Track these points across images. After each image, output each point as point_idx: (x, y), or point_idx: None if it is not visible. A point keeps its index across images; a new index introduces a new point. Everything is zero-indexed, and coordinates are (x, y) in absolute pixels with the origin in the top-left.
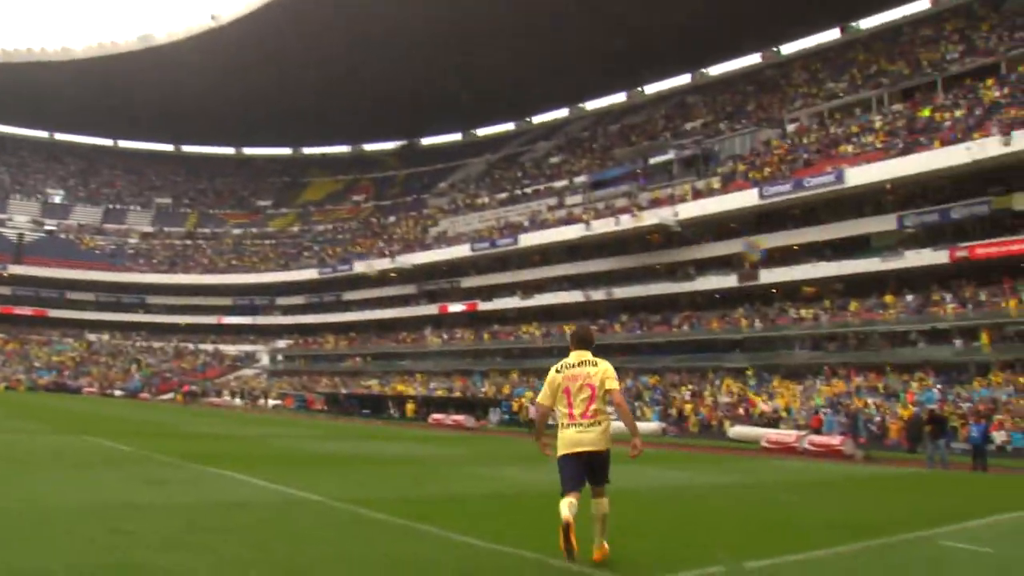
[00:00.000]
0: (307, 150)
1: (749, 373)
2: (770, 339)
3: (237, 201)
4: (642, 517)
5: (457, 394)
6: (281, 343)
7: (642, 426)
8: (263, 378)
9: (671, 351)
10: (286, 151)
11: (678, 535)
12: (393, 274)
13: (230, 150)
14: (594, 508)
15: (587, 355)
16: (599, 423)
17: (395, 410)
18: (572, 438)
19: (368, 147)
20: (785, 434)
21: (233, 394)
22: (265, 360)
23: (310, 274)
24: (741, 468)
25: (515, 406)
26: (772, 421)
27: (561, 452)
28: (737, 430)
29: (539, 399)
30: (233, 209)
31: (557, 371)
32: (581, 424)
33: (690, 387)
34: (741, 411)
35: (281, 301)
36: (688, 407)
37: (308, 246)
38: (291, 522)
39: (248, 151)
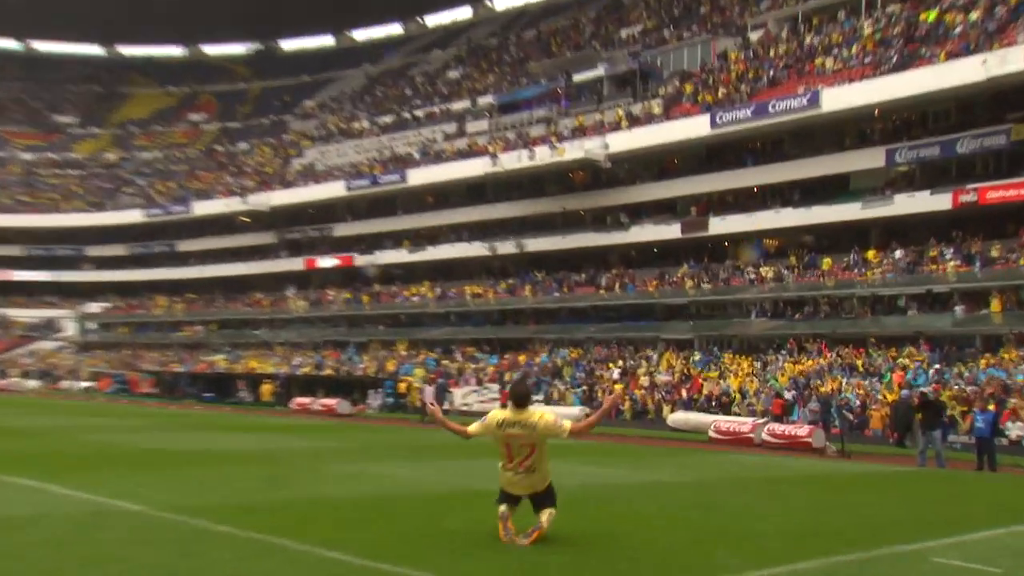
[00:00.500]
0: (126, 50)
1: (694, 346)
2: (721, 304)
3: (27, 116)
4: (556, 525)
5: (328, 372)
6: (94, 307)
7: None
8: (68, 353)
9: (597, 318)
10: (96, 51)
11: (596, 548)
12: (245, 218)
13: (14, 44)
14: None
15: (525, 415)
16: (535, 471)
17: (247, 393)
18: (509, 479)
19: (210, 50)
20: (738, 422)
21: (26, 374)
22: (71, 329)
23: (133, 216)
24: (682, 463)
25: (402, 387)
26: (723, 406)
27: (499, 484)
28: (679, 417)
29: (471, 429)
30: (21, 127)
31: (499, 425)
32: (519, 472)
33: (621, 363)
34: (684, 393)
35: (93, 252)
36: (618, 388)
37: (129, 179)
38: (98, 540)
39: (42, 47)
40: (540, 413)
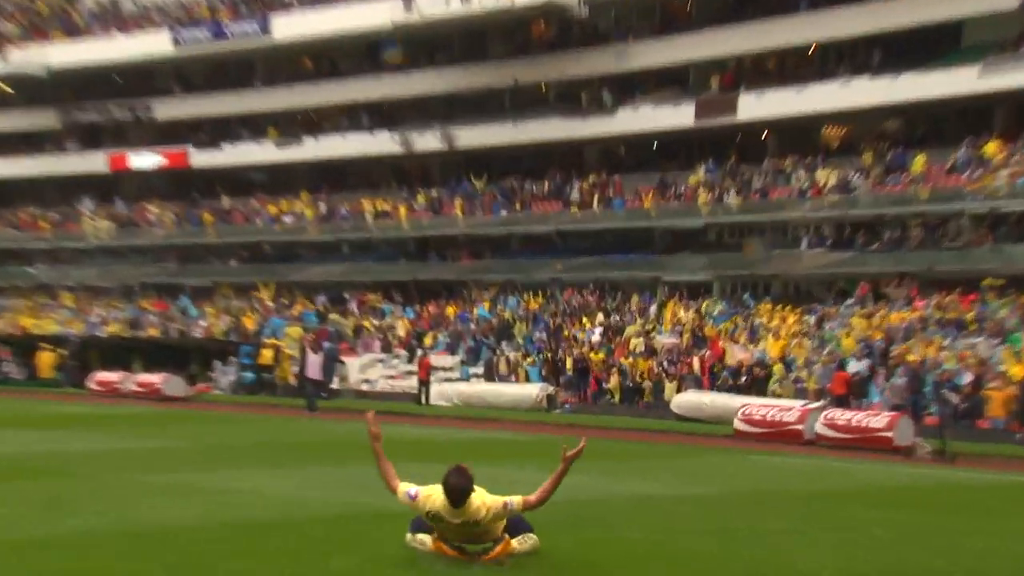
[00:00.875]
0: None
1: (712, 292)
2: (755, 228)
3: None
4: (520, 560)
5: (149, 333)
6: None
7: (517, 390)
8: None
9: (566, 251)
10: None
11: None
12: (6, 88)
13: None
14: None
15: (463, 513)
16: (487, 535)
17: (16, 366)
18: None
19: None
20: (780, 406)
21: None
22: None
23: None
24: (690, 469)
25: (266, 355)
26: (756, 383)
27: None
28: (688, 399)
29: (399, 490)
30: None
31: (429, 517)
32: (464, 548)
33: (601, 318)
34: (696, 364)
35: None
36: (597, 357)
37: None
38: None
39: None
40: (483, 504)
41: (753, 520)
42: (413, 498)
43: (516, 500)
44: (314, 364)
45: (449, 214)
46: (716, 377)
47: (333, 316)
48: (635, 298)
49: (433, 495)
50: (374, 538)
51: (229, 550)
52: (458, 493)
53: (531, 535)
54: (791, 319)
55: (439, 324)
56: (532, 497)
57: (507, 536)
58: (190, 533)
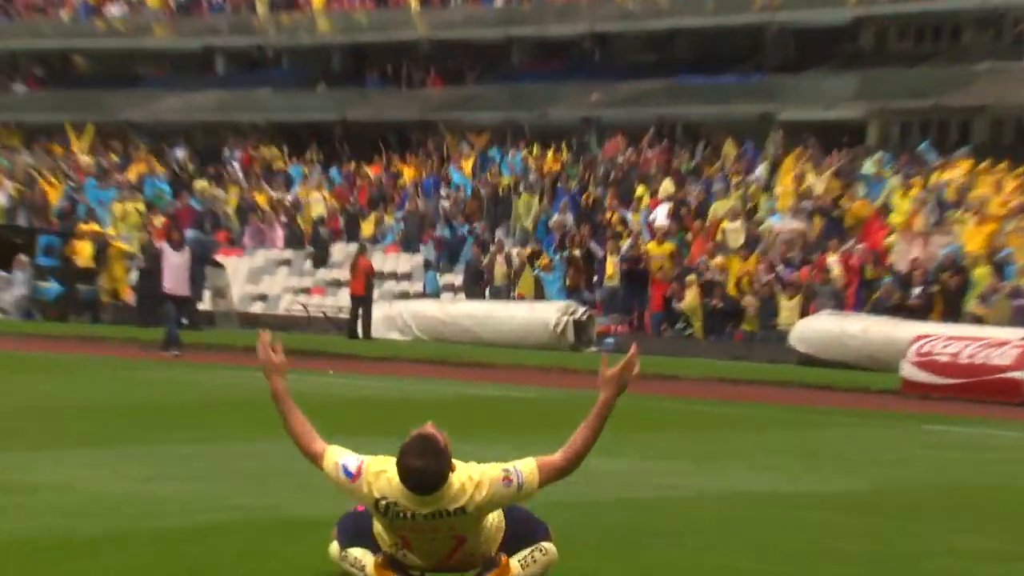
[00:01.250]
0: None
1: (866, 136)
2: (941, 19)
3: None
4: None
5: None
6: None
7: (524, 313)
8: None
9: (608, 69)
10: None
11: None
12: None
13: None
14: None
15: (438, 499)
16: (471, 555)
17: None
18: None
19: None
20: (984, 339)
21: None
22: None
23: None
24: (837, 448)
25: (81, 252)
26: (940, 296)
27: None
28: (822, 326)
29: (326, 459)
30: None
31: (380, 509)
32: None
33: (669, 187)
34: (835, 265)
35: None
36: (662, 254)
37: None
38: None
39: None
40: (469, 480)
41: (948, 537)
42: (353, 476)
43: (525, 467)
44: (173, 269)
45: (402, 3)
46: (870, 289)
47: (200, 184)
48: (729, 151)
49: (388, 471)
50: (268, 561)
51: None
52: (423, 480)
53: (546, 545)
54: (1009, 186)
55: (386, 199)
56: (555, 458)
57: (503, 556)
58: None
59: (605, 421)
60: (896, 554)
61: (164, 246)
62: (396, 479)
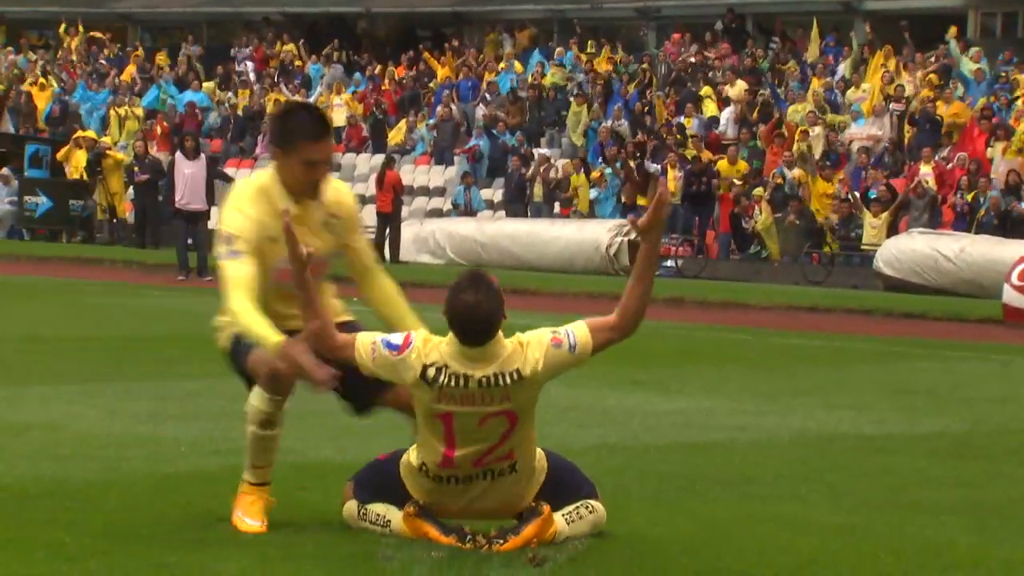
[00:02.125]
0: None
1: (966, 27)
2: None
3: None
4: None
5: None
6: None
7: (572, 233)
8: None
9: None
10: None
11: None
12: None
13: None
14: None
15: (491, 354)
16: (510, 473)
17: None
18: (441, 493)
19: None
20: None
21: None
22: None
23: None
24: (929, 383)
25: (73, 161)
26: None
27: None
28: (912, 247)
29: (359, 345)
30: None
31: (427, 380)
32: (470, 480)
33: (739, 88)
34: (928, 178)
35: None
36: (728, 162)
37: None
38: None
39: None
40: (519, 340)
41: None
42: (399, 348)
43: (577, 329)
44: (187, 180)
45: None
46: (970, 208)
47: (207, 84)
48: (809, 44)
49: (436, 339)
50: (283, 508)
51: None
52: (476, 317)
53: (592, 503)
54: None
55: (416, 103)
56: (607, 318)
57: (545, 505)
58: None
59: (654, 271)
60: (992, 504)
61: (177, 155)
62: (447, 344)
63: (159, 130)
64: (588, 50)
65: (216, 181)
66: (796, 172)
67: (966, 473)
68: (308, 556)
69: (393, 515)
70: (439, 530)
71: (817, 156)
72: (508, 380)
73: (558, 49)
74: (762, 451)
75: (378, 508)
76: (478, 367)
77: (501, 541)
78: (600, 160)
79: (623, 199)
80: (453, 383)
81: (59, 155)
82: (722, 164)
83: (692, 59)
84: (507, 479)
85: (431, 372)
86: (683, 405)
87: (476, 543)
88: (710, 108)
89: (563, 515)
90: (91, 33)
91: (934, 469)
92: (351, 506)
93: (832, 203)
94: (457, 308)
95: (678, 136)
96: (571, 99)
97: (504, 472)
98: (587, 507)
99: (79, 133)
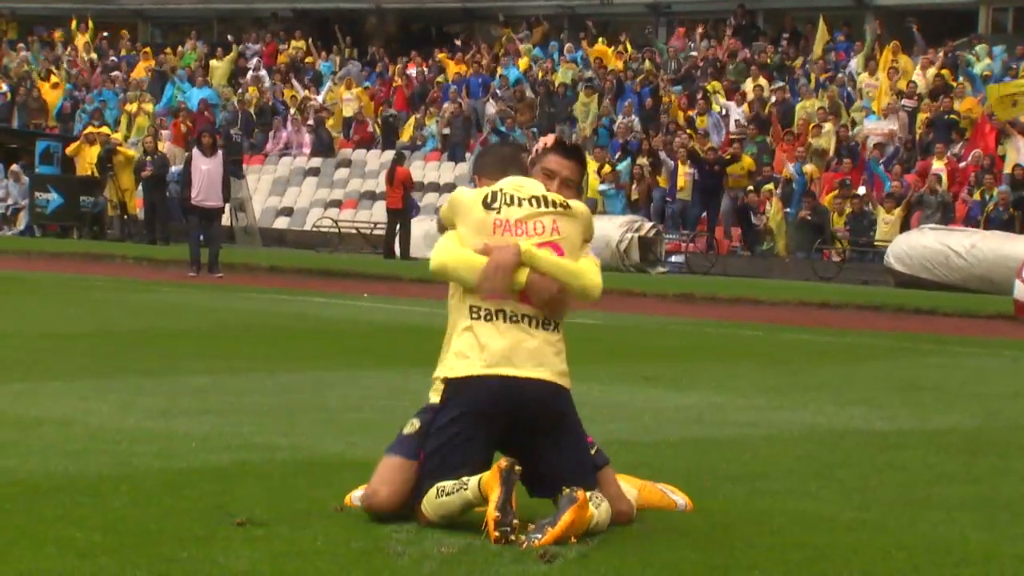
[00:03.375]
0: None
1: (976, 23)
2: None
3: None
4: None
5: None
6: None
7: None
8: None
9: None
10: None
11: None
12: None
13: None
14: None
15: (534, 185)
16: (547, 328)
17: None
18: (493, 341)
19: None
20: None
21: None
22: None
23: None
24: (939, 380)
25: (84, 157)
26: None
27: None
28: (922, 243)
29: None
30: None
31: (487, 204)
32: (514, 320)
33: (748, 85)
34: (942, 173)
35: None
36: (740, 162)
37: None
38: None
39: None
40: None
41: None
42: (471, 210)
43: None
44: (204, 176)
45: None
46: (982, 202)
47: (220, 85)
48: (818, 40)
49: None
50: (295, 503)
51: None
52: (510, 156)
53: (598, 496)
54: None
55: (426, 99)
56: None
57: (579, 491)
58: None
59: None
60: (1004, 500)
61: (194, 151)
62: (496, 188)
63: (183, 128)
64: (596, 45)
65: (231, 178)
66: (808, 167)
67: (977, 469)
68: (318, 552)
69: (471, 479)
70: (498, 498)
71: (828, 151)
72: (556, 207)
73: (568, 45)
74: (773, 447)
75: (450, 481)
76: (526, 191)
77: (539, 536)
78: (614, 156)
79: (633, 196)
80: (507, 201)
81: (69, 150)
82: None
83: (703, 55)
84: (541, 339)
85: (488, 196)
86: (694, 401)
87: (508, 538)
88: (720, 103)
89: (593, 498)
90: (101, 32)
91: (945, 465)
92: (430, 494)
93: (843, 199)
94: (493, 147)
95: (688, 131)
96: (581, 92)
97: (547, 324)
98: (598, 496)
99: (91, 128)
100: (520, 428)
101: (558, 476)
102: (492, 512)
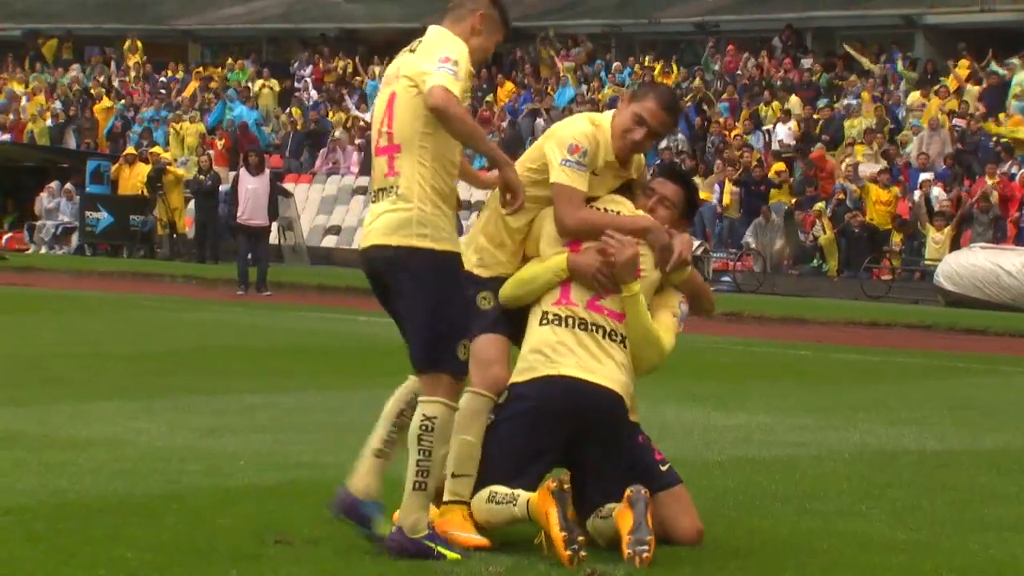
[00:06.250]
0: None
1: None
2: None
3: None
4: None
5: None
6: None
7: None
8: None
9: None
10: None
11: None
12: None
13: None
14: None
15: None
16: (614, 340)
17: None
18: (555, 346)
19: None
20: None
21: None
22: None
23: None
24: (992, 401)
25: (132, 177)
26: None
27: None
28: (972, 262)
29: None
30: None
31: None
32: (583, 324)
33: (796, 104)
34: (992, 194)
35: None
36: (784, 177)
37: None
38: None
39: None
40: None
41: None
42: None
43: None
44: (250, 195)
45: None
46: None
47: (266, 99)
48: (866, 59)
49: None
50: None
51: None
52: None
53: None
54: None
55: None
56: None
57: (644, 490)
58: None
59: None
60: None
61: (241, 171)
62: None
63: (220, 144)
64: (645, 64)
65: (278, 197)
66: (855, 186)
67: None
68: (365, 570)
69: (520, 495)
70: (559, 518)
71: (877, 171)
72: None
73: (616, 64)
74: (822, 467)
75: (504, 489)
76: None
77: (645, 549)
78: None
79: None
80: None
81: (112, 171)
82: (779, 176)
83: (751, 74)
84: (616, 347)
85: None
86: (742, 420)
87: (579, 555)
88: (768, 122)
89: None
90: (152, 52)
91: (997, 485)
92: (481, 495)
93: (894, 218)
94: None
95: (736, 151)
96: None
97: (615, 336)
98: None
99: (130, 150)
100: (579, 437)
101: (607, 491)
102: (557, 533)
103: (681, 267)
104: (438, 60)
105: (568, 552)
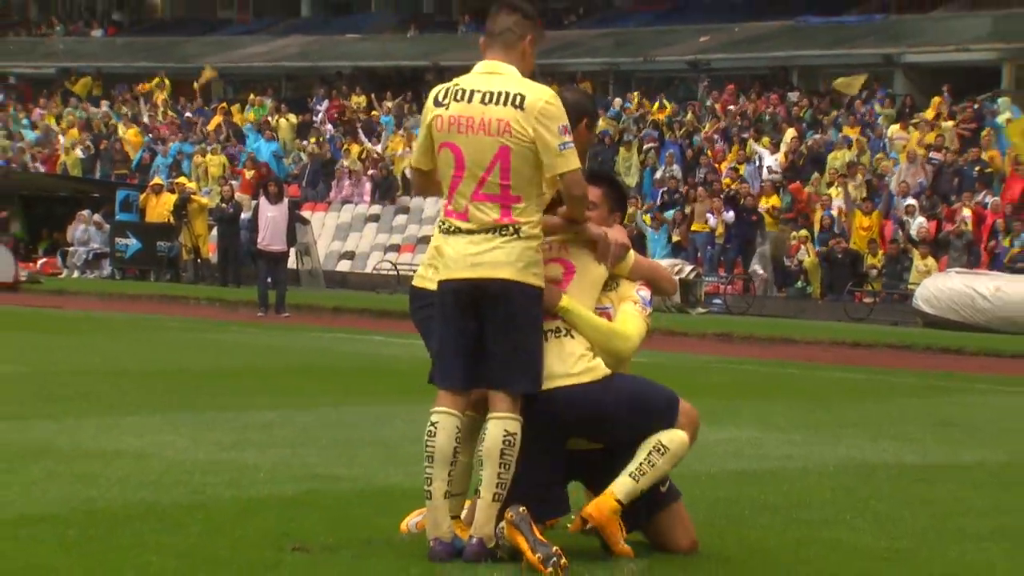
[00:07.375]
0: None
1: (1000, 79)
2: None
3: None
4: None
5: None
6: None
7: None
8: None
9: (718, 5)
10: None
11: None
12: None
13: None
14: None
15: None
16: (560, 335)
17: None
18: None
19: None
20: None
21: None
22: None
23: None
24: (967, 417)
25: (159, 207)
26: None
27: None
28: (949, 286)
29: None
30: None
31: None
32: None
33: (788, 135)
34: (967, 217)
35: None
36: (772, 205)
37: None
38: None
39: None
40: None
41: None
42: None
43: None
44: (269, 222)
45: None
46: (1008, 248)
47: (284, 132)
48: (851, 97)
49: None
50: (359, 531)
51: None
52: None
53: (662, 441)
54: None
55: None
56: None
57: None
58: (33, 528)
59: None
60: None
61: (261, 199)
62: None
63: (248, 175)
64: (636, 100)
65: (296, 224)
66: (839, 213)
67: (1006, 502)
68: (381, 575)
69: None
70: (529, 544)
71: (860, 199)
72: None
73: (616, 100)
74: (809, 479)
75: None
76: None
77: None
78: (657, 204)
79: (673, 237)
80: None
81: (140, 200)
82: (768, 204)
83: (741, 109)
84: (564, 341)
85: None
86: (733, 435)
87: (559, 565)
88: (756, 154)
89: (629, 474)
90: (178, 89)
91: (975, 498)
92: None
93: (874, 245)
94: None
95: (727, 181)
96: (623, 144)
97: (560, 332)
98: (658, 450)
99: (156, 180)
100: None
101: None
102: (532, 557)
103: (622, 258)
104: (559, 133)
105: (549, 570)
